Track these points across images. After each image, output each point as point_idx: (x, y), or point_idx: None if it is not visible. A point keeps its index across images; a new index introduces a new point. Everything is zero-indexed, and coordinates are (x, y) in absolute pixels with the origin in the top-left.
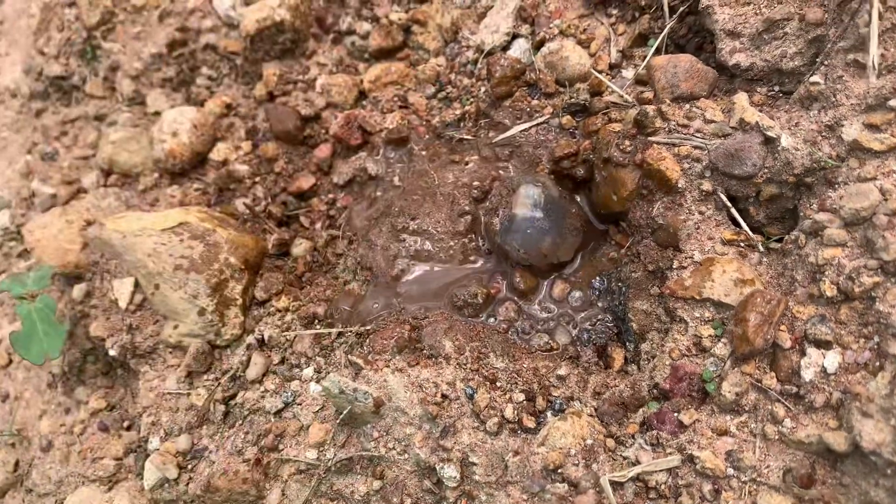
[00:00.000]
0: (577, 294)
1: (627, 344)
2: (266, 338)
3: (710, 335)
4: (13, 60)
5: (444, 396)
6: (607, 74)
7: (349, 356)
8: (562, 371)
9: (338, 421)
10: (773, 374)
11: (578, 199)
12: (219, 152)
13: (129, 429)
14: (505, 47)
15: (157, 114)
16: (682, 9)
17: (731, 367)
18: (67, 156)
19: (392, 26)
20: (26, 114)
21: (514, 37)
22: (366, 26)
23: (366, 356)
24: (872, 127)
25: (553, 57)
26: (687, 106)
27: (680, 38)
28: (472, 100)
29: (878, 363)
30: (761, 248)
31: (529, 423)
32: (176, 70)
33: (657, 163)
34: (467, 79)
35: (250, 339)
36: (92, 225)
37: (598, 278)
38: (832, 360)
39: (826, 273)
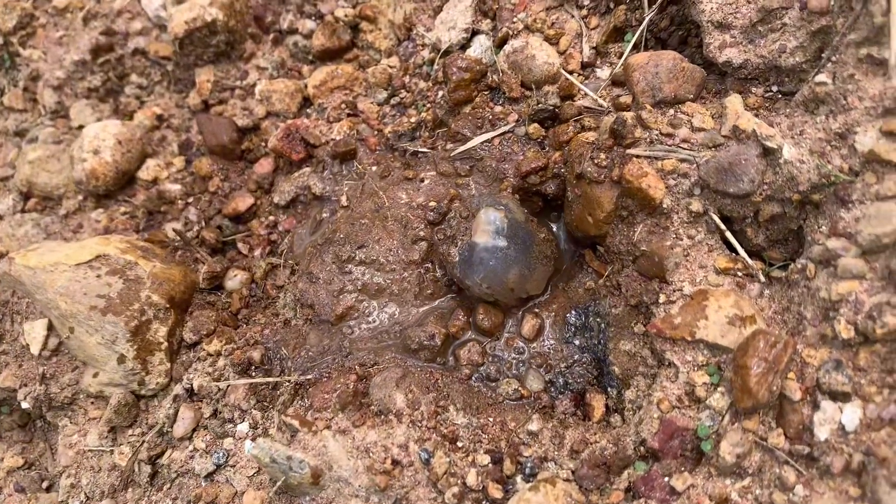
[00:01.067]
0: (550, 332)
1: (609, 390)
2: (195, 387)
3: (704, 383)
4: None
5: (394, 462)
6: (579, 75)
7: (283, 416)
8: (533, 426)
9: (273, 490)
10: (780, 430)
11: (549, 221)
12: (148, 170)
13: (48, 489)
14: (464, 45)
15: (82, 128)
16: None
17: (730, 423)
18: None
19: (338, 24)
20: None
21: (474, 33)
22: (309, 24)
23: (303, 415)
24: (891, 135)
25: (517, 56)
26: (671, 111)
27: (661, 31)
28: (428, 106)
29: None
30: (762, 278)
31: (496, 492)
32: (102, 78)
33: (638, 179)
34: (423, 82)
35: (178, 388)
36: (1, 259)
37: (573, 312)
38: (851, 414)
39: (841, 310)
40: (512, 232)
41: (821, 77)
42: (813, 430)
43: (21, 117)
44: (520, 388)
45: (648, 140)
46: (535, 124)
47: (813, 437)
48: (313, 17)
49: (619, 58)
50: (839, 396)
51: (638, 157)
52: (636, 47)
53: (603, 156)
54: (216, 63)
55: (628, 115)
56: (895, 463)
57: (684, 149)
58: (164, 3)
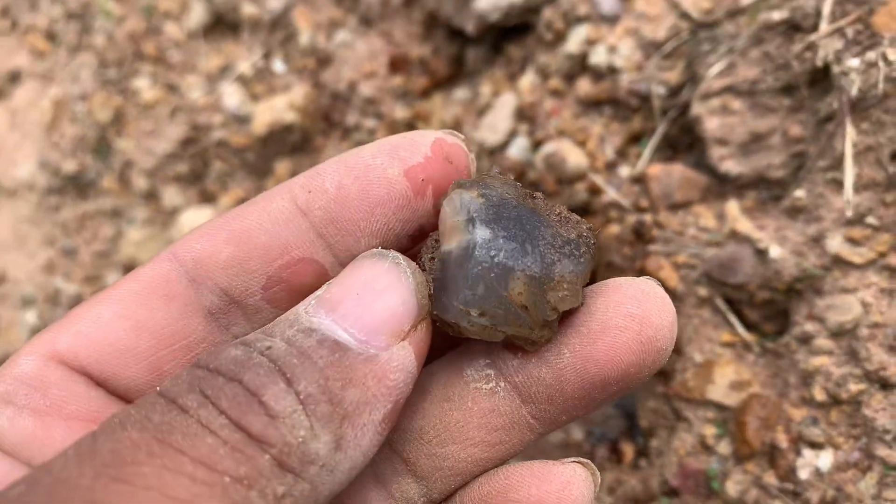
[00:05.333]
0: None
1: (637, 439)
2: None
3: (713, 434)
4: (27, 153)
5: None
6: (605, 173)
7: None
8: None
9: None
10: (772, 472)
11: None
12: None
13: None
14: (505, 146)
15: (174, 210)
16: (672, 114)
17: (733, 466)
18: (87, 251)
19: (396, 123)
20: (44, 208)
21: (514, 135)
22: (371, 123)
23: None
24: (852, 241)
25: (552, 158)
26: (681, 213)
27: (673, 138)
28: None
29: (866, 463)
30: (757, 349)
31: None
32: (189, 166)
33: (656, 272)
34: None
35: None
36: None
37: None
38: (825, 459)
39: (816, 379)
40: (498, 213)
41: (798, 192)
42: (797, 472)
43: (116, 199)
44: (565, 438)
45: (664, 239)
46: None
47: (797, 477)
48: (375, 117)
49: (637, 158)
50: (816, 445)
51: (655, 253)
52: (653, 151)
53: (627, 250)
54: (292, 155)
55: (647, 218)
56: (857, 497)
57: (693, 246)
58: (242, 101)
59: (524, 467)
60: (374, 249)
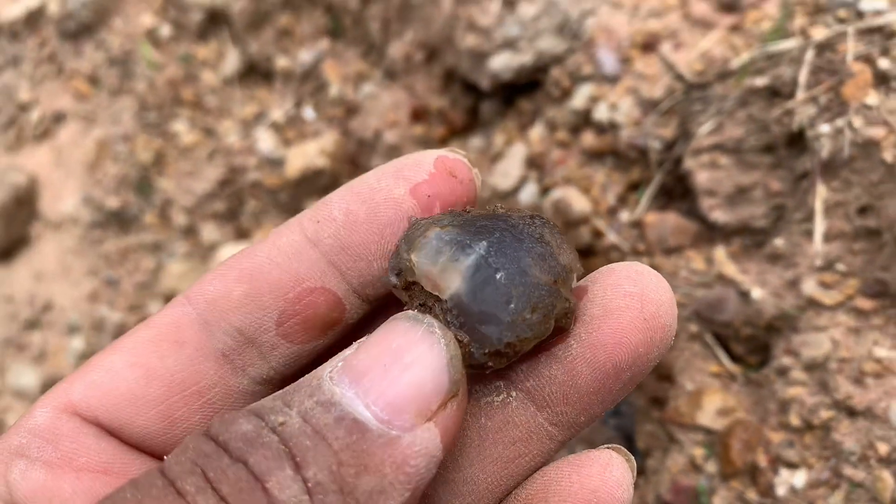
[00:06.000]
0: None
1: (635, 457)
2: None
3: (701, 455)
4: (71, 189)
5: None
6: (607, 218)
7: None
8: None
9: None
10: (753, 489)
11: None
12: None
13: None
14: (516, 191)
15: (212, 245)
16: (666, 166)
17: (720, 483)
18: (130, 282)
19: None
20: (88, 240)
21: (525, 181)
22: None
23: None
24: (824, 285)
25: (559, 203)
26: (674, 256)
27: (668, 187)
28: None
29: (835, 481)
30: (741, 379)
31: None
32: (226, 204)
33: None
34: None
35: None
36: None
37: None
38: (800, 478)
39: (792, 407)
40: (475, 227)
41: (777, 240)
42: (775, 489)
43: (157, 234)
44: None
45: None
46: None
47: (775, 493)
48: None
49: (636, 204)
50: (791, 465)
51: None
52: (649, 199)
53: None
54: (322, 194)
55: (644, 261)
56: None
57: (684, 287)
58: (276, 145)
59: (559, 461)
60: (410, 311)
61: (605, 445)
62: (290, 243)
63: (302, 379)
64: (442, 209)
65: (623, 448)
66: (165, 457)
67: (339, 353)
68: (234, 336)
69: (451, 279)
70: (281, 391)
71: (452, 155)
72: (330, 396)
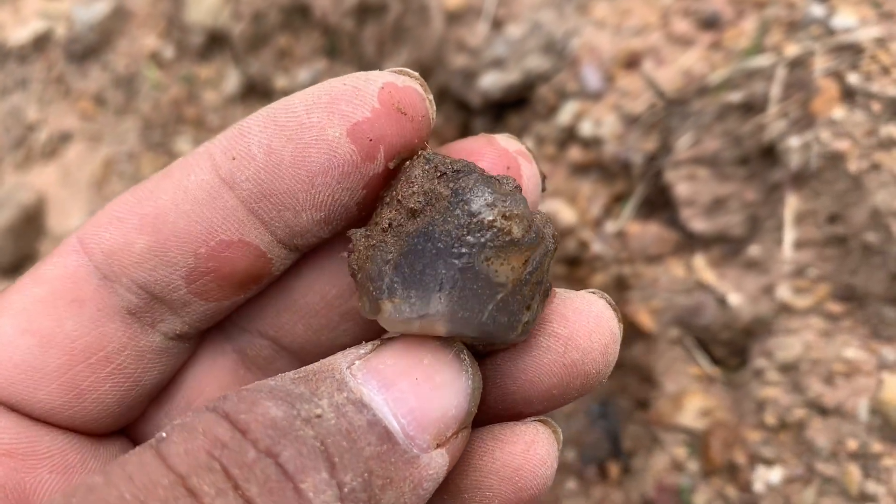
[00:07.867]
0: (582, 416)
1: (622, 458)
2: None
3: (684, 454)
4: (78, 207)
5: None
6: (593, 228)
7: None
8: (570, 485)
9: None
10: (732, 485)
11: None
12: None
13: None
14: None
15: None
16: (648, 178)
17: (701, 481)
18: None
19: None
20: None
21: None
22: None
23: None
24: (797, 290)
25: (549, 214)
26: (655, 265)
27: (650, 198)
28: None
29: (808, 477)
30: (720, 381)
31: None
32: None
33: (635, 315)
34: None
35: None
36: None
37: (596, 405)
38: (776, 474)
39: (768, 406)
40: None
41: (753, 248)
42: (752, 485)
43: None
44: (559, 459)
45: (641, 287)
46: (563, 265)
47: (752, 489)
48: None
49: (620, 215)
50: (768, 462)
51: (634, 299)
52: (633, 210)
53: (609, 296)
54: None
55: (628, 269)
56: None
57: (665, 294)
58: None
59: (486, 431)
60: (441, 330)
61: (533, 418)
62: (200, 185)
63: (318, 365)
64: (387, 157)
65: (550, 420)
66: (159, 438)
67: (353, 348)
68: (138, 293)
69: (435, 323)
70: (296, 373)
71: (402, 80)
72: (359, 396)
